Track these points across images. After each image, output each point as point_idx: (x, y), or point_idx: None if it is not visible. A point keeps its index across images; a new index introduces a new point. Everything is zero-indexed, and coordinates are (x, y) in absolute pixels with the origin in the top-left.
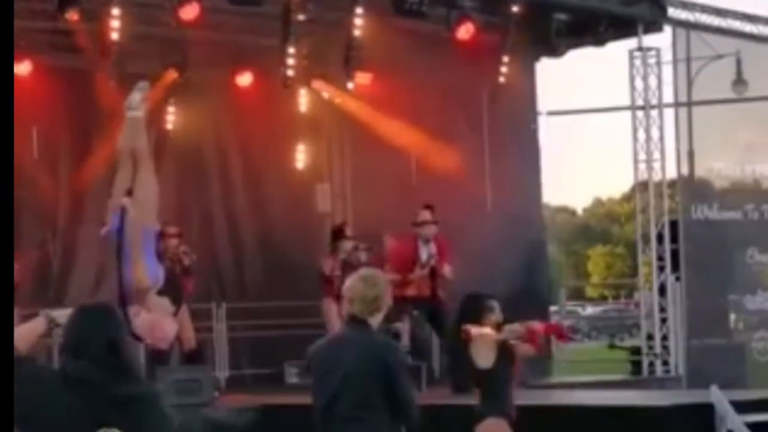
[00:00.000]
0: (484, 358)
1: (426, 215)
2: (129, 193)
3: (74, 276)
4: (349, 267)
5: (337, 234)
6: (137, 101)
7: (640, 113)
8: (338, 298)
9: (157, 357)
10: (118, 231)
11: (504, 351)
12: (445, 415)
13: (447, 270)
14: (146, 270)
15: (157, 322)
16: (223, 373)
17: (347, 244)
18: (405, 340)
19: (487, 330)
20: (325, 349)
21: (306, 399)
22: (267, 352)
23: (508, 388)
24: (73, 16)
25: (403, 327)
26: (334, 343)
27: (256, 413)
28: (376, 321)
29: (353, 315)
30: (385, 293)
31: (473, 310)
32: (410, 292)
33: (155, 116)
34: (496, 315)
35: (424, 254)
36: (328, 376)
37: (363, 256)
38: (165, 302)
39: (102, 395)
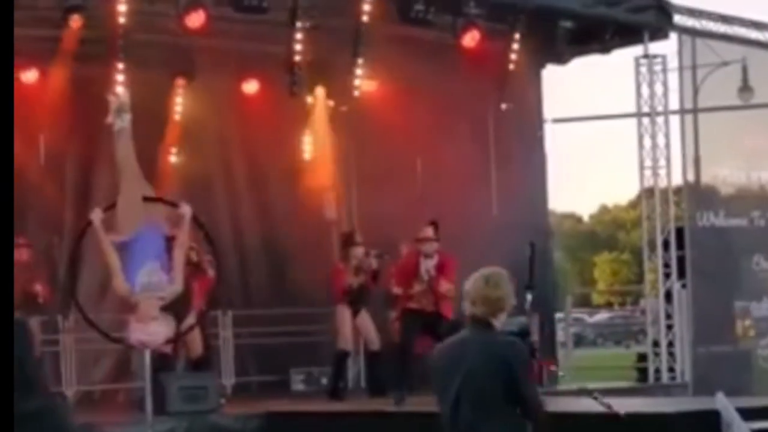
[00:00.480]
0: None
1: (428, 232)
2: (109, 207)
3: (80, 281)
4: (360, 273)
5: (348, 241)
6: (116, 113)
7: (645, 120)
8: (350, 304)
9: (164, 363)
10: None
11: None
12: None
13: (444, 287)
14: (124, 279)
15: (140, 327)
16: (229, 380)
17: (358, 251)
18: (534, 336)
19: None
20: (447, 352)
21: (311, 406)
22: (273, 359)
23: None
24: (76, 22)
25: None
26: (455, 345)
27: (262, 420)
28: (499, 321)
29: (476, 316)
30: (509, 293)
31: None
32: (413, 305)
33: (162, 123)
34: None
35: (423, 270)
36: (450, 380)
37: (374, 262)
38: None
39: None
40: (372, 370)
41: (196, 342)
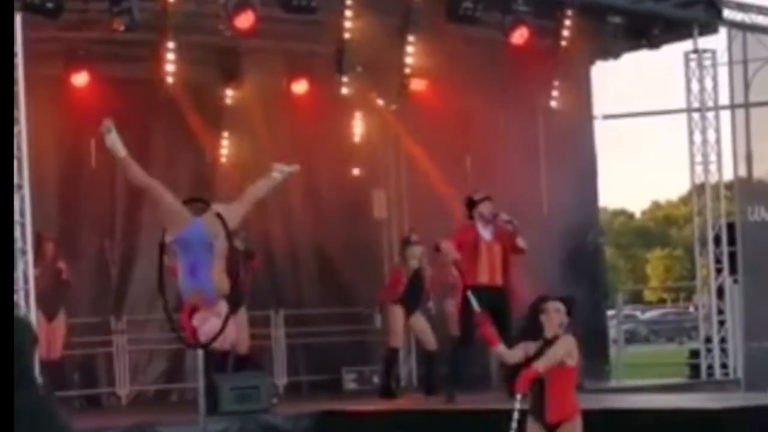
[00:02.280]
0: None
1: (481, 193)
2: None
3: (132, 283)
4: (418, 273)
5: (405, 241)
6: (111, 143)
7: (696, 115)
8: (404, 304)
9: (219, 362)
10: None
11: (542, 352)
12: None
13: (521, 241)
14: (182, 282)
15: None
16: (281, 380)
17: (416, 250)
18: None
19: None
20: None
21: (363, 405)
22: (324, 359)
23: (542, 388)
24: (119, 25)
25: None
26: None
27: (314, 419)
28: None
29: None
30: None
31: (535, 311)
32: (482, 279)
33: (212, 124)
34: (561, 317)
35: (486, 234)
36: None
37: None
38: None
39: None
40: (428, 369)
41: (242, 339)
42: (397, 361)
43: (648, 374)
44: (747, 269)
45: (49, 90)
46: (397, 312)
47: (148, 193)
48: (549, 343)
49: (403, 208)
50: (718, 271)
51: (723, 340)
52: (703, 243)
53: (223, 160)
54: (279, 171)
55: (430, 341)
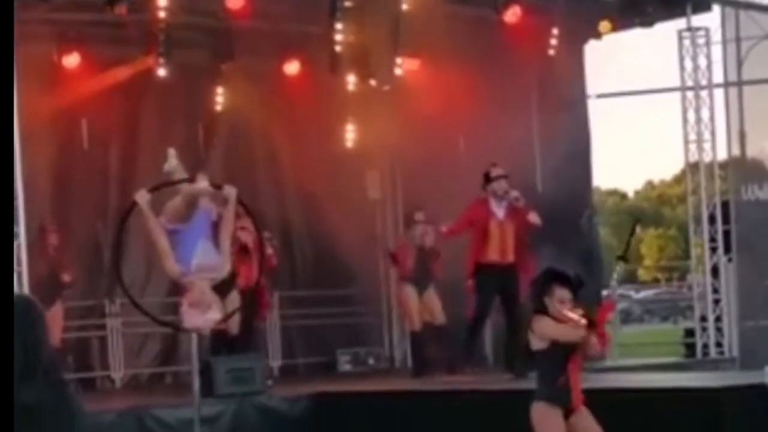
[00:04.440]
0: (538, 340)
1: (499, 170)
2: (154, 188)
3: (125, 266)
4: (421, 252)
5: (410, 219)
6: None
7: (689, 94)
8: (415, 281)
9: (222, 340)
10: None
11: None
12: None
13: (533, 216)
14: (175, 260)
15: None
16: (276, 362)
17: (420, 229)
18: None
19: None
20: None
21: (359, 386)
22: (319, 341)
23: (562, 373)
24: (121, 9)
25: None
26: None
27: (310, 401)
28: None
29: None
30: None
31: (543, 284)
32: (493, 257)
33: (204, 105)
34: (565, 307)
35: (499, 211)
36: None
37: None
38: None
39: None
40: (440, 345)
41: (232, 321)
42: (422, 342)
43: (643, 354)
44: (741, 248)
45: (40, 72)
46: (410, 293)
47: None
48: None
49: (397, 189)
50: (713, 250)
51: (718, 319)
52: (698, 222)
53: (215, 141)
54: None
55: (439, 317)
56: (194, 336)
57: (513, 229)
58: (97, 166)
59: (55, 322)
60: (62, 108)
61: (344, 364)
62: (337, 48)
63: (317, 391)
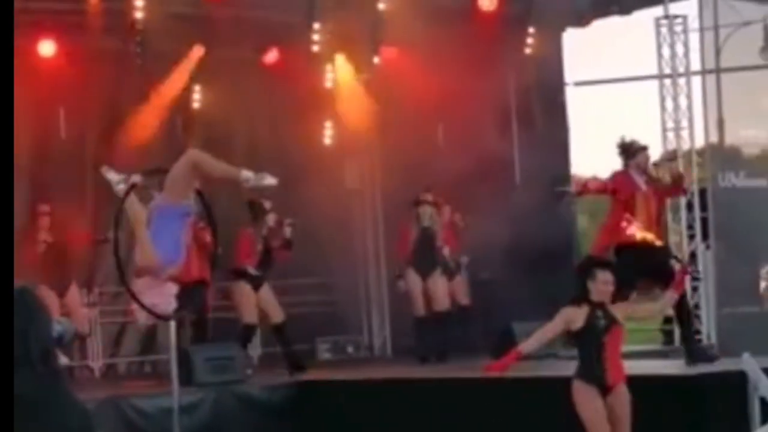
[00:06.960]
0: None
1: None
2: (148, 173)
3: (103, 254)
4: (427, 232)
5: (417, 201)
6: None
7: (667, 82)
8: (418, 266)
9: (202, 333)
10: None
11: (594, 316)
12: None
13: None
14: (154, 249)
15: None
16: (255, 351)
17: (427, 210)
18: None
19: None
20: None
21: (338, 374)
22: (298, 329)
23: (600, 352)
24: None
25: None
26: None
27: (290, 389)
28: None
29: None
30: None
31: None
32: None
33: (182, 95)
34: (609, 287)
35: (642, 184)
36: None
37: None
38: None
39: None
40: (438, 332)
41: (274, 307)
42: (431, 327)
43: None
44: (719, 235)
45: (16, 60)
46: (414, 279)
47: None
48: (595, 307)
49: (375, 178)
50: (691, 237)
51: (696, 306)
52: (675, 209)
53: (193, 130)
54: (255, 178)
55: (441, 303)
56: (172, 324)
57: (656, 204)
58: (74, 156)
59: (75, 307)
60: (39, 98)
61: (323, 352)
62: (316, 37)
63: (297, 380)
